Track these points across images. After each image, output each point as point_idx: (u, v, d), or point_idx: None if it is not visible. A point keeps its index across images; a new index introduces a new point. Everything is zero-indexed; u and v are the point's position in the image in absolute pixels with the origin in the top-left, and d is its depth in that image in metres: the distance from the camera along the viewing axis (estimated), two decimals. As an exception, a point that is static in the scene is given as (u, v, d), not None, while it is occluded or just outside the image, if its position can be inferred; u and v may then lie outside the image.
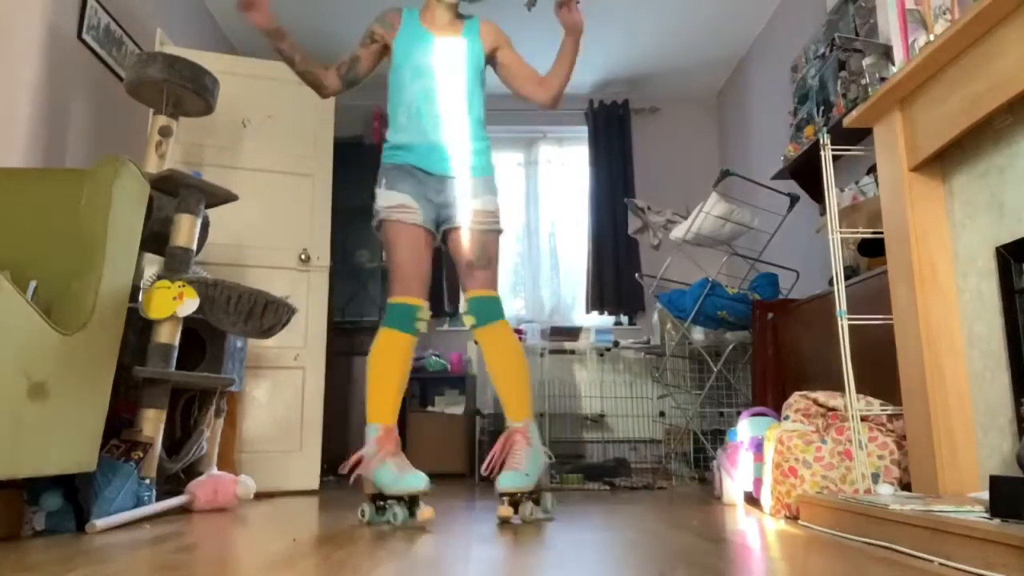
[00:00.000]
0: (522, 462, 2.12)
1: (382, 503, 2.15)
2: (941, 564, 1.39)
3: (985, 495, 1.63)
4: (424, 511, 2.06)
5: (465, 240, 2.27)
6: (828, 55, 3.28)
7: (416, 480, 2.06)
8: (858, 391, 2.22)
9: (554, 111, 5.26)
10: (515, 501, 2.11)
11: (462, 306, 2.27)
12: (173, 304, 2.41)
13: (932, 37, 1.90)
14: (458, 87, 2.34)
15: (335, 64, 2.43)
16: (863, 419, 2.21)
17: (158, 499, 2.32)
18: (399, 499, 2.10)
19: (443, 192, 2.31)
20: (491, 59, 2.45)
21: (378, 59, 2.49)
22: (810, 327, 3.02)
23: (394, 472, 2.08)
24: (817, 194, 3.65)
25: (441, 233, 2.35)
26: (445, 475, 4.30)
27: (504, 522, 2.09)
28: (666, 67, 5.01)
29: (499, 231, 2.32)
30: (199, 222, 2.61)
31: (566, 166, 5.39)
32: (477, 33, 2.41)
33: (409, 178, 2.30)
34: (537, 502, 2.20)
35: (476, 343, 1.97)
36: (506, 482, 2.08)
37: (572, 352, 4.26)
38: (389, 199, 2.27)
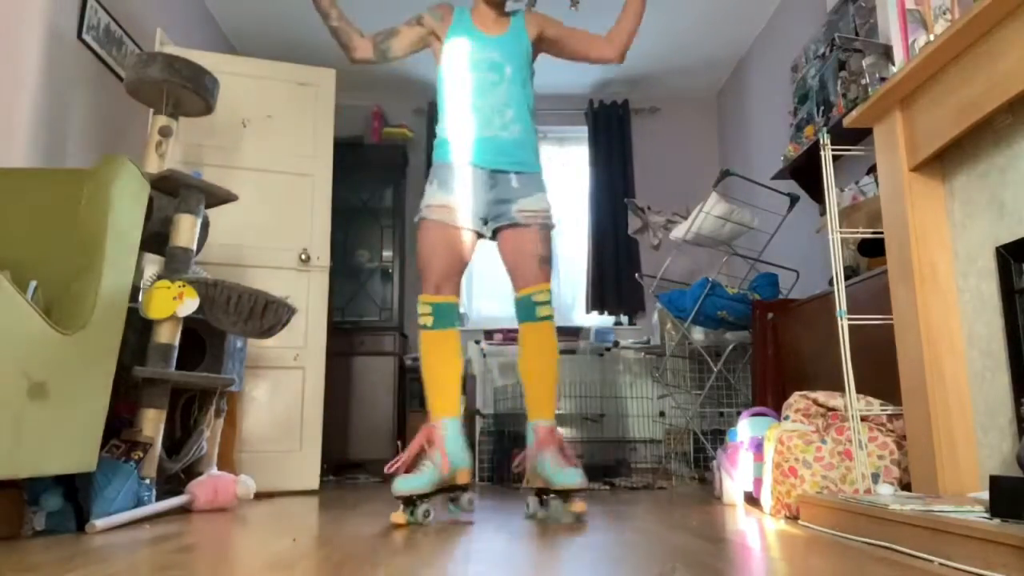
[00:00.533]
0: (567, 461, 2.18)
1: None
2: (941, 564, 1.39)
3: (985, 495, 1.63)
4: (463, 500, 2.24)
5: (528, 236, 2.29)
6: (828, 55, 3.28)
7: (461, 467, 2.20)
8: (858, 391, 2.22)
9: (554, 111, 5.27)
10: (544, 499, 2.21)
11: (525, 299, 2.29)
12: (173, 304, 2.41)
13: (932, 37, 1.90)
14: (508, 83, 2.36)
15: (372, 38, 2.47)
16: (863, 419, 2.21)
17: (158, 499, 2.32)
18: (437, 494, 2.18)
19: (495, 188, 2.32)
20: (539, 44, 2.48)
21: (417, 44, 2.49)
22: (810, 327, 3.02)
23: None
24: (817, 194, 3.65)
25: (491, 231, 2.36)
26: (445, 475, 4.30)
27: (531, 518, 2.21)
28: (666, 67, 5.01)
29: (552, 227, 2.34)
30: (199, 222, 2.61)
31: (566, 166, 5.39)
32: (522, 26, 2.45)
33: (458, 176, 2.31)
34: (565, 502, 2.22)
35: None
36: (562, 479, 2.12)
37: (572, 352, 4.26)
38: (433, 198, 2.30)
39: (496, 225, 2.34)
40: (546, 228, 2.31)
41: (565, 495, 2.15)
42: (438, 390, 2.23)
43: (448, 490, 2.21)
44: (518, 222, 2.29)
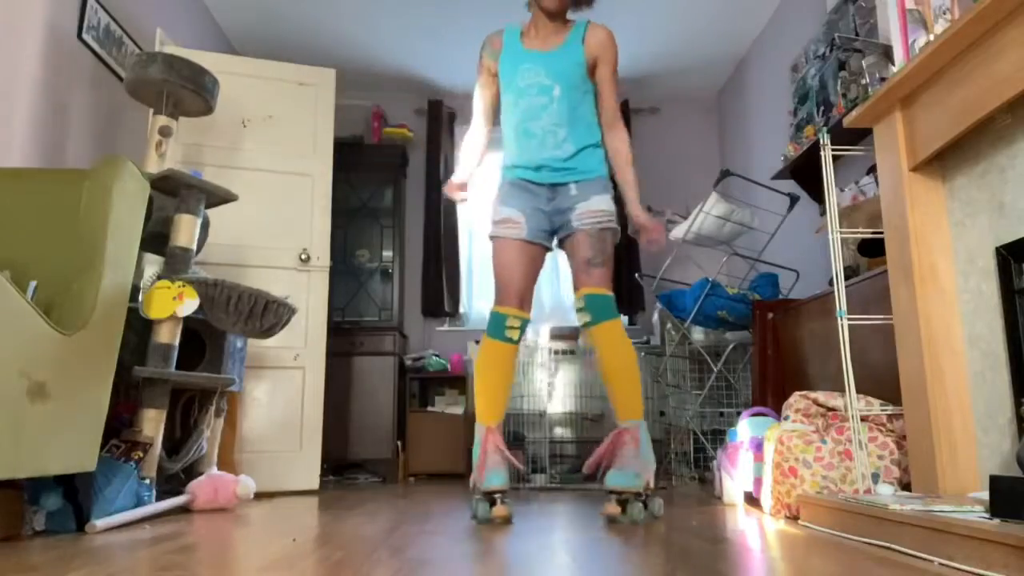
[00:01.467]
0: (631, 462, 2.14)
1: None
2: (941, 564, 1.39)
3: (985, 495, 1.63)
4: (498, 508, 2.14)
5: (580, 240, 2.28)
6: (828, 55, 3.28)
7: (493, 478, 2.16)
8: (858, 391, 2.22)
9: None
10: (623, 500, 2.12)
11: (576, 303, 2.27)
12: (173, 304, 2.41)
13: (932, 37, 1.90)
14: (559, 100, 2.34)
15: (482, 117, 2.55)
16: (863, 419, 2.21)
17: (158, 499, 2.32)
18: (484, 495, 2.19)
19: (554, 200, 2.35)
20: (592, 68, 2.41)
21: (496, 88, 2.55)
22: (810, 327, 3.02)
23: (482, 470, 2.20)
24: (817, 194, 3.65)
25: (557, 241, 2.41)
26: (444, 475, 4.30)
27: (611, 521, 2.12)
28: (666, 67, 5.01)
29: (613, 230, 2.31)
30: (199, 222, 2.61)
31: (566, 166, 5.39)
32: (580, 40, 2.37)
33: (520, 193, 2.37)
34: (646, 505, 2.17)
35: (585, 341, 2.10)
36: (615, 480, 2.11)
37: (572, 352, 4.26)
38: (497, 214, 2.37)
39: (561, 235, 2.37)
40: (598, 230, 2.28)
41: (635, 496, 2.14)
42: (493, 398, 2.28)
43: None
44: (573, 228, 2.30)
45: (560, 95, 2.34)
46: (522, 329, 2.31)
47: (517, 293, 2.31)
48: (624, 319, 5.02)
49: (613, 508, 2.12)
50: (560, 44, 2.38)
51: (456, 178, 2.52)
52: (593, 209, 2.29)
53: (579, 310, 2.26)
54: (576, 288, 2.28)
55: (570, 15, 2.45)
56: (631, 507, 2.10)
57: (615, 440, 2.20)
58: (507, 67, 2.42)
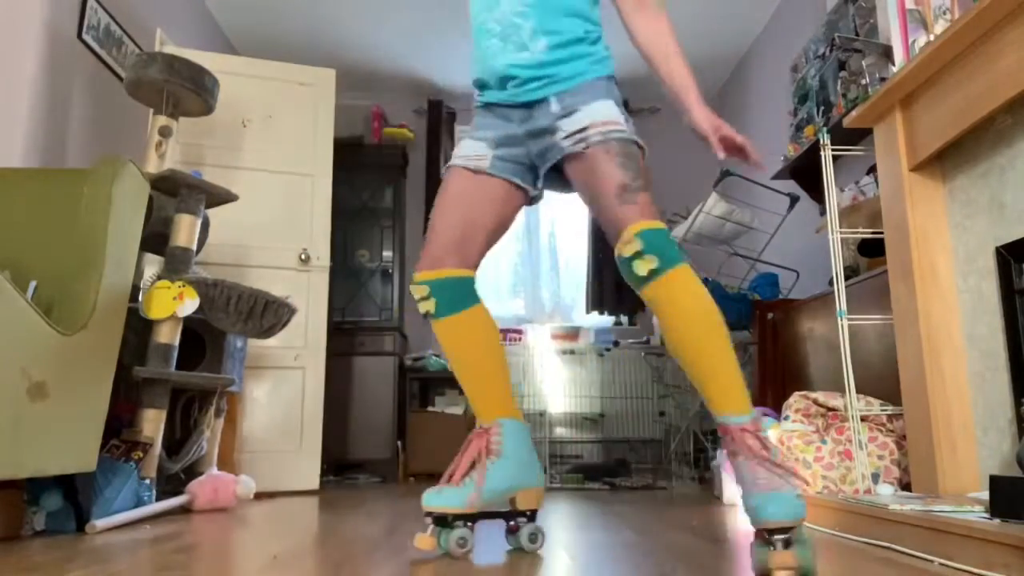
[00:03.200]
0: (777, 478, 1.33)
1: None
2: (941, 564, 1.39)
3: (985, 495, 1.63)
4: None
5: (596, 163, 1.52)
6: (828, 55, 3.28)
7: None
8: (858, 391, 2.22)
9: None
10: (788, 540, 1.26)
11: (624, 248, 1.44)
12: (173, 304, 2.41)
13: (932, 37, 1.90)
14: None
15: None
16: (863, 419, 2.21)
17: (158, 499, 2.32)
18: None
19: (529, 120, 1.63)
20: None
21: None
22: (810, 327, 3.02)
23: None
24: (817, 194, 3.65)
25: (545, 177, 1.67)
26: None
27: None
28: (666, 67, 5.00)
29: (631, 140, 1.56)
30: (199, 222, 2.61)
31: (566, 166, 5.38)
32: None
33: (491, 119, 1.69)
34: (790, 541, 1.27)
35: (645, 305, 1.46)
36: (774, 512, 1.28)
37: (572, 352, 4.26)
38: (460, 148, 1.70)
39: (552, 163, 1.61)
40: (615, 143, 1.53)
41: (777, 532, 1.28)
42: (477, 385, 1.65)
43: (505, 516, 1.64)
44: (573, 151, 1.54)
45: None
46: (441, 291, 1.61)
47: (434, 246, 1.63)
48: (624, 319, 5.03)
49: (783, 557, 1.24)
50: None
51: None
52: (600, 119, 1.55)
53: (633, 257, 1.42)
54: (618, 229, 1.46)
55: None
56: (799, 547, 1.26)
57: (729, 443, 1.42)
58: None
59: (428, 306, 1.63)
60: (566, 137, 1.56)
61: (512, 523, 1.64)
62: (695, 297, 1.43)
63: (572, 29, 1.64)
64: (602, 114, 1.56)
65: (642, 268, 1.42)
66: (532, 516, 1.64)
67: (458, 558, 1.51)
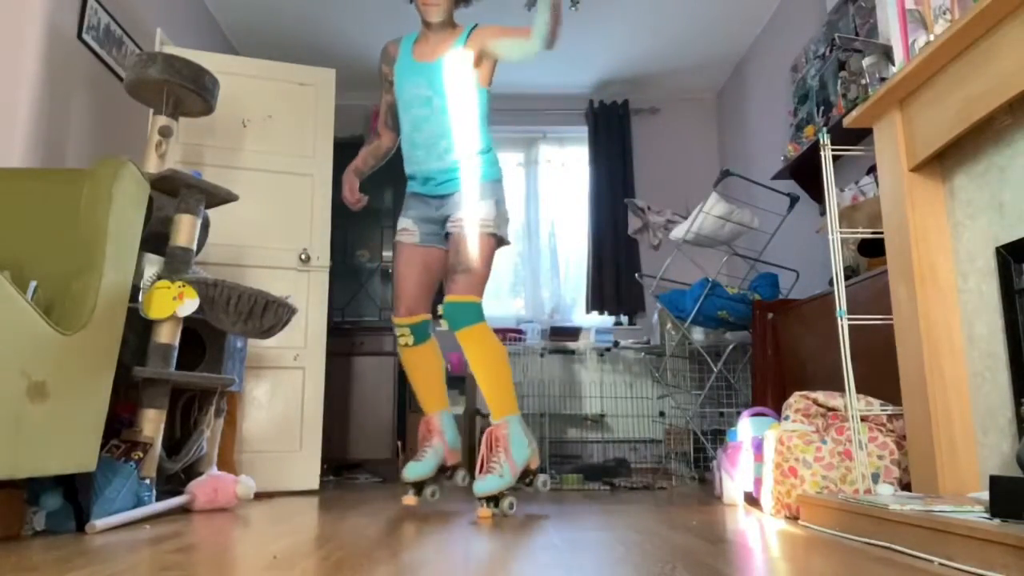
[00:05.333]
0: (497, 466, 2.26)
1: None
2: (941, 564, 1.39)
3: (985, 495, 1.63)
4: (407, 498, 2.43)
5: (450, 246, 2.37)
6: (828, 55, 3.28)
7: (410, 469, 2.40)
8: (858, 391, 2.22)
9: (554, 111, 5.27)
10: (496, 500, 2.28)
11: (441, 309, 2.37)
12: (173, 304, 2.41)
13: (932, 37, 1.90)
14: (440, 111, 2.39)
15: (381, 123, 2.66)
16: (863, 419, 2.21)
17: (158, 499, 2.32)
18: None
19: (442, 208, 2.45)
20: (485, 58, 2.43)
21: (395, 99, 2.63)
22: (810, 327, 3.02)
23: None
24: (817, 194, 3.65)
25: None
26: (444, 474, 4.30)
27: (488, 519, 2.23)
28: (666, 67, 5.01)
29: (485, 234, 2.35)
30: (199, 222, 2.61)
31: (566, 166, 5.39)
32: (463, 43, 2.43)
33: (416, 203, 2.50)
34: (497, 503, 2.29)
35: None
36: (480, 489, 2.22)
37: (572, 352, 4.26)
38: (399, 224, 2.53)
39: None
40: (463, 235, 2.34)
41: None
42: (427, 392, 2.52)
43: (444, 470, 2.50)
44: (448, 232, 2.39)
45: (441, 106, 2.39)
46: (417, 330, 2.48)
47: (405, 301, 2.47)
48: (624, 319, 5.03)
49: (483, 512, 2.23)
50: (444, 53, 2.43)
51: (346, 187, 2.59)
52: (464, 215, 2.35)
53: (440, 316, 2.38)
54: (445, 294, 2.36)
55: (459, 18, 2.52)
56: (502, 501, 2.27)
57: (487, 440, 2.32)
58: (398, 77, 2.47)
59: (408, 340, 2.49)
60: (451, 222, 2.37)
61: (448, 474, 2.54)
62: (479, 345, 2.32)
63: (475, 143, 2.41)
64: (481, 212, 2.35)
65: (445, 324, 2.33)
66: (458, 467, 2.55)
67: (431, 503, 2.41)
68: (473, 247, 2.33)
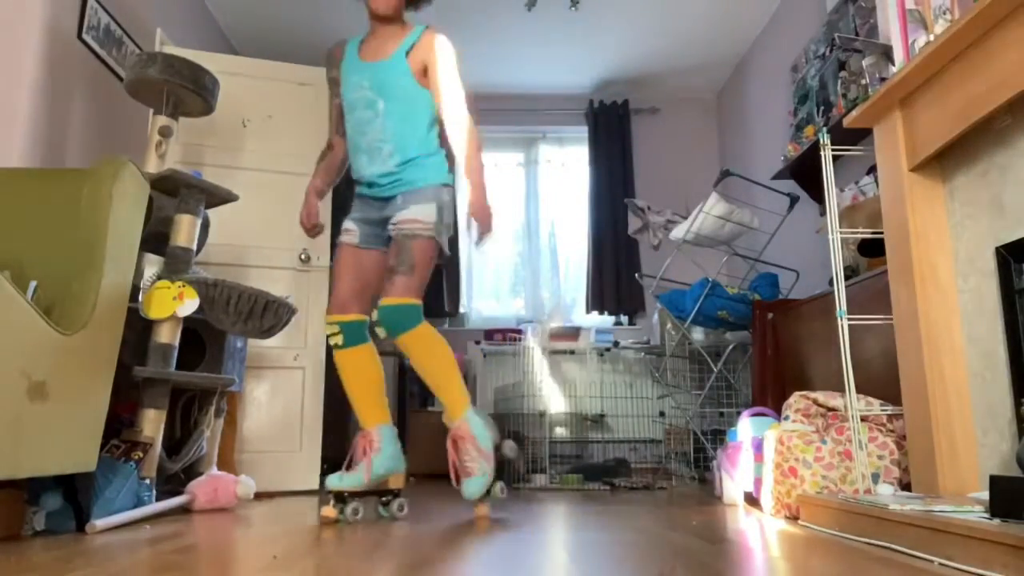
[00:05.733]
0: (474, 463, 2.20)
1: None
2: (941, 564, 1.39)
3: (985, 495, 1.63)
4: (326, 509, 2.19)
5: (391, 249, 2.25)
6: (828, 55, 3.28)
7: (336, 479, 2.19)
8: (858, 391, 2.22)
9: (554, 111, 5.27)
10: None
11: (375, 314, 2.21)
12: (173, 304, 2.41)
13: (932, 37, 1.90)
14: (384, 114, 2.29)
15: (332, 131, 2.52)
16: (863, 419, 2.21)
17: (158, 499, 2.32)
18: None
19: (384, 209, 2.33)
20: (423, 74, 2.34)
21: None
22: (810, 327, 3.02)
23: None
24: (817, 194, 3.65)
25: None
26: (444, 475, 4.30)
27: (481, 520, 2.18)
28: (666, 67, 5.01)
29: (424, 237, 2.22)
30: (199, 222, 2.61)
31: (566, 166, 5.39)
32: (408, 50, 2.30)
33: (360, 205, 2.39)
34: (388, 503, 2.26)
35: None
36: (470, 491, 2.16)
37: (572, 352, 4.26)
38: (343, 225, 2.39)
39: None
40: (404, 237, 2.21)
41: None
42: (363, 401, 2.31)
43: (379, 494, 2.28)
44: (391, 235, 2.27)
45: (385, 109, 2.29)
46: (348, 329, 2.29)
47: (337, 299, 2.31)
48: (624, 319, 5.02)
49: (480, 510, 2.22)
50: (390, 54, 2.31)
51: (304, 208, 2.46)
52: (406, 217, 2.22)
53: (375, 323, 2.20)
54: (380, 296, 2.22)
55: (409, 18, 2.37)
56: (492, 490, 2.23)
57: (452, 445, 2.23)
58: (343, 78, 2.37)
59: (338, 339, 2.30)
60: (392, 224, 2.26)
61: (385, 498, 2.29)
62: (426, 350, 2.21)
63: (420, 147, 2.31)
64: (418, 216, 2.23)
65: (380, 332, 2.20)
66: (398, 493, 2.30)
67: (351, 523, 2.12)
68: (414, 248, 2.21)
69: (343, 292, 2.32)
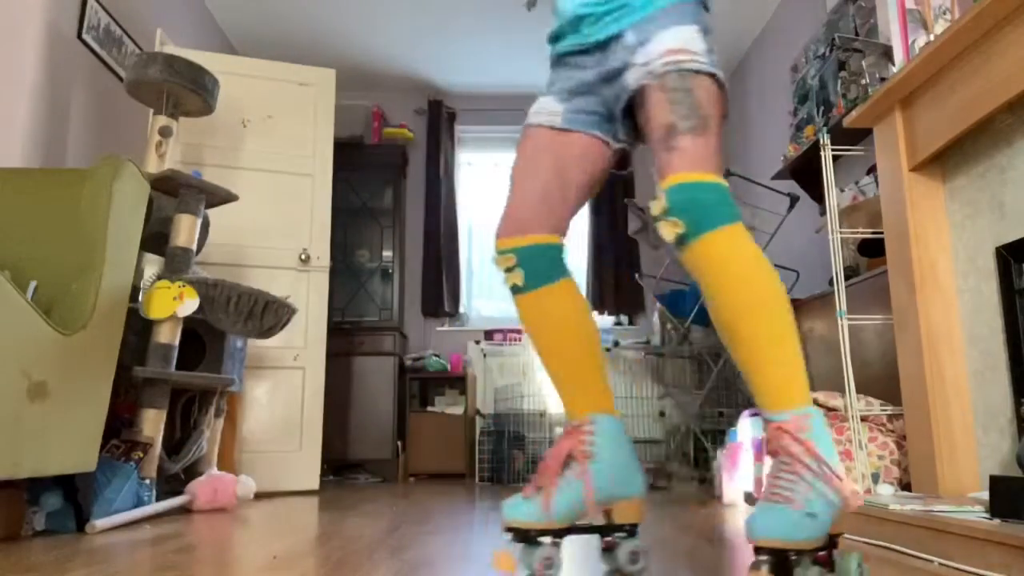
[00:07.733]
0: (796, 491, 1.17)
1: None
2: (941, 564, 1.39)
3: (985, 495, 1.63)
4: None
5: (651, 101, 1.28)
6: (828, 55, 3.28)
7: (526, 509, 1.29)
8: (858, 391, 2.22)
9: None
10: (775, 564, 1.11)
11: (656, 205, 1.23)
12: (173, 304, 2.41)
13: (932, 37, 1.90)
14: None
15: None
16: (863, 419, 2.21)
17: (158, 499, 2.32)
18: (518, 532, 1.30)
19: (607, 60, 1.39)
20: None
21: None
22: (810, 327, 3.02)
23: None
24: (817, 194, 3.64)
25: (626, 125, 1.42)
26: (444, 475, 4.30)
27: None
28: (666, 67, 5.00)
29: (707, 73, 1.28)
30: (199, 222, 2.61)
31: (566, 166, 5.37)
32: None
33: (563, 71, 1.48)
34: (827, 562, 1.15)
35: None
36: (763, 529, 1.14)
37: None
38: (534, 106, 1.49)
39: (625, 104, 1.37)
40: (673, 75, 1.27)
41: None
42: (567, 374, 1.40)
43: (601, 530, 1.36)
44: (636, 87, 1.31)
45: None
46: (529, 259, 1.39)
47: (513, 212, 1.41)
48: (624, 319, 5.02)
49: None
50: None
51: None
52: (666, 47, 1.29)
53: (659, 217, 1.22)
54: (658, 176, 1.26)
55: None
56: (802, 571, 1.11)
57: (770, 447, 1.24)
58: None
59: (515, 278, 1.40)
60: (639, 68, 1.31)
61: (608, 539, 1.36)
62: (745, 263, 1.23)
63: None
64: (669, 42, 1.30)
65: (668, 233, 1.21)
66: (632, 531, 1.35)
67: None
68: (699, 89, 1.27)
69: (526, 201, 1.41)
